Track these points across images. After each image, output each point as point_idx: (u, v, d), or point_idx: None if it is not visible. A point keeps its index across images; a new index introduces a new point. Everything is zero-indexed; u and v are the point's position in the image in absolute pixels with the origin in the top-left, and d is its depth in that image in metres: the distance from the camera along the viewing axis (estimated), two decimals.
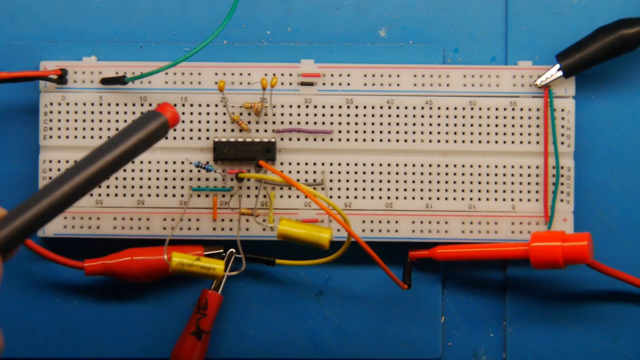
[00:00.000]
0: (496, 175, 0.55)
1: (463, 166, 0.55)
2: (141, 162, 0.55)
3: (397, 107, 0.55)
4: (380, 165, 0.55)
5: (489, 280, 0.57)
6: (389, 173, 0.55)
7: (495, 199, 0.55)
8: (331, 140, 0.55)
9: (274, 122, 0.55)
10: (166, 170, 0.55)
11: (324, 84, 0.55)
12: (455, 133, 0.55)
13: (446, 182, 0.55)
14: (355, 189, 0.55)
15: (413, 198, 0.55)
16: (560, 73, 0.55)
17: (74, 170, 0.41)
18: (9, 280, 0.56)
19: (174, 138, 0.55)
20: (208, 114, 0.55)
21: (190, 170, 0.55)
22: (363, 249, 0.51)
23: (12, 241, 0.40)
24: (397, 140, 0.55)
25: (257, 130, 0.55)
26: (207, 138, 0.55)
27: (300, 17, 0.57)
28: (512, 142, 0.55)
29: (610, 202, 0.56)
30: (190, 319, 0.55)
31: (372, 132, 0.55)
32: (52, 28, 0.57)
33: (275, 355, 0.56)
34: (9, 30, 0.57)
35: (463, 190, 0.55)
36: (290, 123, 0.55)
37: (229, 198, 0.55)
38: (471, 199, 0.55)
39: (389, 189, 0.55)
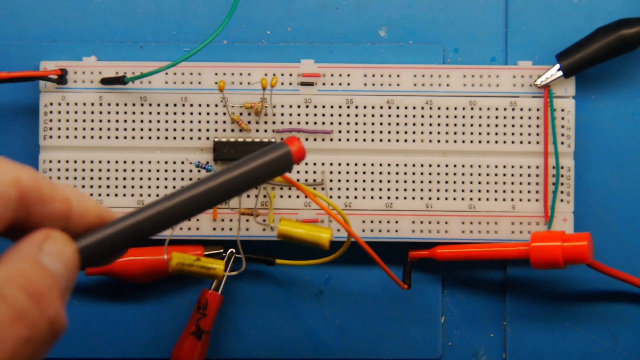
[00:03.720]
0: (496, 175, 0.55)
1: (463, 166, 0.55)
2: (141, 162, 0.55)
3: (397, 107, 0.55)
4: (380, 165, 0.55)
5: (489, 280, 0.57)
6: (389, 173, 0.55)
7: (495, 199, 0.55)
8: (331, 140, 0.55)
9: (274, 122, 0.55)
10: (166, 170, 0.55)
11: (324, 84, 0.55)
12: (455, 133, 0.55)
13: (446, 182, 0.55)
14: (355, 189, 0.55)
15: (413, 198, 0.55)
16: (560, 73, 0.55)
17: (183, 189, 0.38)
18: None
19: (174, 138, 0.55)
20: (208, 114, 0.55)
21: (190, 170, 0.55)
22: (363, 249, 0.51)
23: (102, 248, 0.37)
24: (397, 140, 0.55)
25: (257, 130, 0.55)
26: (207, 138, 0.55)
27: (300, 17, 0.57)
28: (512, 142, 0.55)
29: (610, 202, 0.56)
30: (190, 319, 0.55)
31: (372, 132, 0.55)
32: (52, 28, 0.57)
33: (275, 355, 0.56)
34: (9, 30, 0.57)
35: (463, 190, 0.55)
36: (290, 123, 0.55)
37: None
38: (471, 199, 0.55)
39: (389, 189, 0.55)
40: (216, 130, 0.55)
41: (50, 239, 0.35)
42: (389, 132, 0.55)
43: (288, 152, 0.39)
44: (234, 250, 0.55)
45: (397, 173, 0.55)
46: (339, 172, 0.55)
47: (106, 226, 0.37)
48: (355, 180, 0.55)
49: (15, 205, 0.34)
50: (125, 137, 0.55)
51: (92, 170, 0.55)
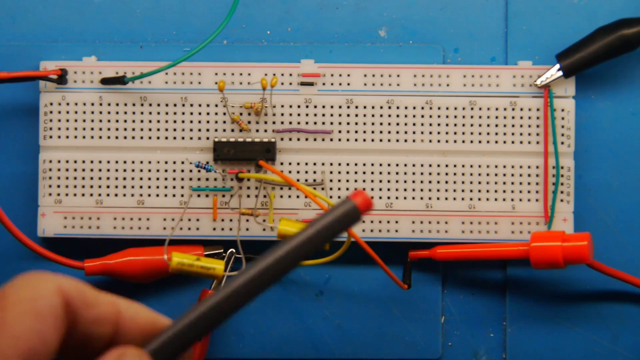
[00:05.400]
0: (496, 175, 0.55)
1: (463, 166, 0.55)
2: (141, 162, 0.55)
3: (397, 107, 0.55)
4: (380, 165, 0.55)
5: (489, 280, 0.57)
6: (389, 173, 0.55)
7: (495, 199, 0.55)
8: (331, 140, 0.55)
9: (274, 122, 0.55)
10: (166, 170, 0.55)
11: (324, 84, 0.55)
12: (455, 133, 0.55)
13: (446, 182, 0.55)
14: (355, 189, 0.55)
15: (413, 198, 0.55)
16: (560, 73, 0.55)
17: (248, 267, 0.38)
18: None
19: (174, 138, 0.55)
20: (208, 114, 0.55)
21: (190, 170, 0.55)
22: (363, 249, 0.51)
23: (172, 349, 0.36)
24: (397, 140, 0.55)
25: (257, 130, 0.55)
26: (207, 138, 0.55)
27: (300, 17, 0.57)
28: (512, 142, 0.55)
29: (610, 202, 0.56)
30: None
31: (372, 132, 0.55)
32: (52, 28, 0.57)
33: (275, 355, 0.56)
34: (9, 30, 0.57)
35: (463, 190, 0.55)
36: (290, 123, 0.55)
37: (229, 198, 0.55)
38: (471, 199, 0.55)
39: (389, 189, 0.55)
40: (216, 130, 0.55)
41: (124, 358, 0.35)
42: (389, 132, 0.55)
43: (354, 205, 0.38)
44: (234, 250, 0.55)
45: (397, 173, 0.55)
46: (339, 172, 0.55)
47: (170, 327, 0.36)
48: (355, 180, 0.55)
49: (64, 313, 0.34)
50: (125, 137, 0.55)
51: (92, 170, 0.55)
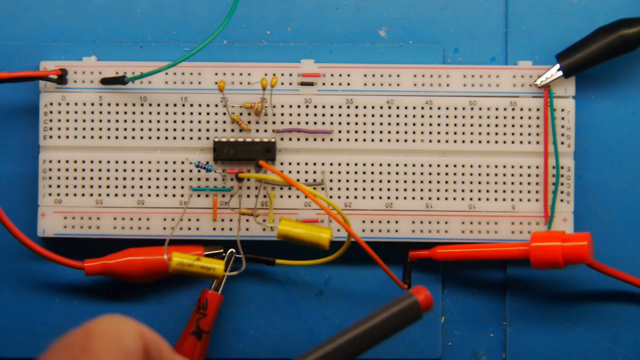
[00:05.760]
0: (496, 175, 0.55)
1: (463, 166, 0.55)
2: (141, 162, 0.55)
3: (397, 107, 0.55)
4: (380, 165, 0.55)
5: (489, 280, 0.57)
6: (389, 173, 0.55)
7: (495, 199, 0.55)
8: (331, 140, 0.55)
9: (274, 122, 0.55)
10: (166, 170, 0.55)
11: (324, 84, 0.55)
12: (455, 133, 0.55)
13: (446, 182, 0.55)
14: (355, 189, 0.55)
15: (413, 198, 0.55)
16: (560, 73, 0.55)
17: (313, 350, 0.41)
18: (9, 281, 0.56)
19: (174, 138, 0.55)
20: (208, 114, 0.55)
21: (190, 170, 0.55)
22: (363, 249, 0.51)
23: None
24: (397, 140, 0.55)
25: (257, 130, 0.55)
26: (207, 138, 0.55)
27: (300, 17, 0.57)
28: (512, 142, 0.55)
29: (610, 202, 0.56)
30: (190, 319, 0.55)
31: (372, 132, 0.55)
32: (52, 28, 0.57)
33: (275, 355, 0.56)
34: (9, 30, 0.57)
35: (463, 190, 0.55)
36: (290, 123, 0.55)
37: (229, 198, 0.55)
38: (471, 199, 0.55)
39: (389, 189, 0.55)
40: (216, 130, 0.55)
41: None
42: (389, 132, 0.55)
43: (415, 301, 0.42)
44: (234, 250, 0.55)
45: (397, 173, 0.55)
46: (339, 172, 0.55)
47: None
48: (355, 180, 0.55)
49: (142, 356, 0.36)
50: (125, 137, 0.55)
51: (92, 170, 0.55)
